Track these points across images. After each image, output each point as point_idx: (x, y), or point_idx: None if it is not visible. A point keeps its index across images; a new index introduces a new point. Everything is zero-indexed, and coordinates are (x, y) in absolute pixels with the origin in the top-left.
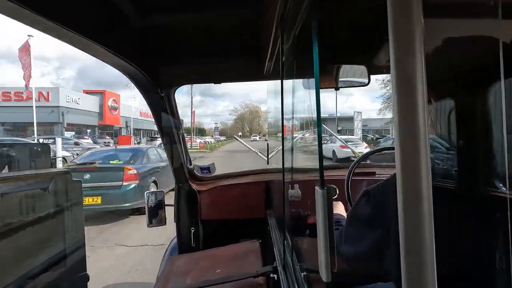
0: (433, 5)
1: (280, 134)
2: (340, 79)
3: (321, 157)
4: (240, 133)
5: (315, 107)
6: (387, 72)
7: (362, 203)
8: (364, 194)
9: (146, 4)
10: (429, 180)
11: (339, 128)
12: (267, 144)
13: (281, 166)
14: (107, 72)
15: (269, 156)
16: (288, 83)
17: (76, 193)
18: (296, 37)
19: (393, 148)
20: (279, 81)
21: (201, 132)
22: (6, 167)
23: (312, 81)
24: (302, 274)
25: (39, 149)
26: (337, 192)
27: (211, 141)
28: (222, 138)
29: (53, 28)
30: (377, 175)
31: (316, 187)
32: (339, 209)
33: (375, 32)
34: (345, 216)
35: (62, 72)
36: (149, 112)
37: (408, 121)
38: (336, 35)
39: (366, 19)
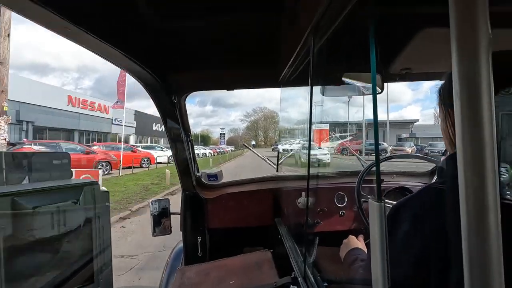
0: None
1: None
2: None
3: (378, 168)
4: (253, 142)
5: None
6: (400, 80)
7: (397, 220)
8: (397, 210)
9: (166, 6)
10: (497, 191)
11: (403, 135)
12: (278, 151)
13: (289, 174)
14: (126, 83)
15: (279, 163)
16: (316, 89)
17: (105, 205)
18: (330, 41)
19: (403, 156)
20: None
21: (205, 140)
22: (27, 178)
23: (344, 87)
24: (324, 284)
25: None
26: (346, 200)
27: (200, 155)
28: (229, 148)
29: (65, 27)
30: (385, 182)
31: (370, 199)
32: (355, 242)
33: (391, 40)
34: (364, 249)
35: (81, 82)
36: (98, 101)
37: (474, 129)
38: (352, 43)
39: (385, 26)
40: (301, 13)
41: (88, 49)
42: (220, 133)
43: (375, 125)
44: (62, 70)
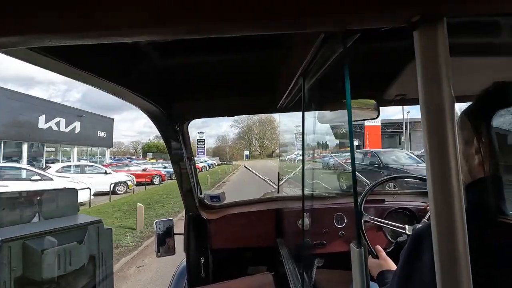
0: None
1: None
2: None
3: (358, 212)
4: (247, 152)
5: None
6: (396, 104)
7: (422, 245)
8: (419, 237)
9: (168, 46)
10: (463, 208)
11: None
12: (278, 173)
13: (291, 194)
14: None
15: (279, 184)
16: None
17: (108, 241)
18: (319, 81)
19: (405, 177)
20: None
21: None
22: (37, 215)
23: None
24: None
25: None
26: (345, 221)
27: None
28: (208, 162)
29: (73, 72)
30: (386, 202)
31: (351, 244)
32: (390, 264)
33: (386, 70)
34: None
35: (68, 95)
36: None
37: (440, 154)
38: (338, 81)
39: (379, 60)
40: (292, 58)
41: (95, 87)
42: (198, 139)
43: (352, 151)
44: (48, 83)
